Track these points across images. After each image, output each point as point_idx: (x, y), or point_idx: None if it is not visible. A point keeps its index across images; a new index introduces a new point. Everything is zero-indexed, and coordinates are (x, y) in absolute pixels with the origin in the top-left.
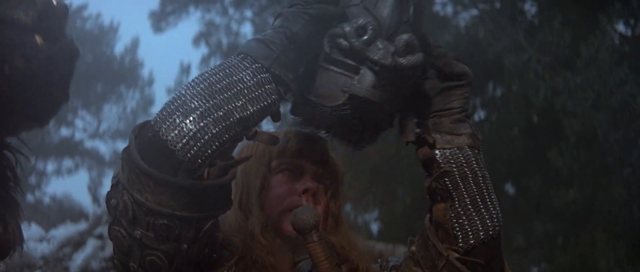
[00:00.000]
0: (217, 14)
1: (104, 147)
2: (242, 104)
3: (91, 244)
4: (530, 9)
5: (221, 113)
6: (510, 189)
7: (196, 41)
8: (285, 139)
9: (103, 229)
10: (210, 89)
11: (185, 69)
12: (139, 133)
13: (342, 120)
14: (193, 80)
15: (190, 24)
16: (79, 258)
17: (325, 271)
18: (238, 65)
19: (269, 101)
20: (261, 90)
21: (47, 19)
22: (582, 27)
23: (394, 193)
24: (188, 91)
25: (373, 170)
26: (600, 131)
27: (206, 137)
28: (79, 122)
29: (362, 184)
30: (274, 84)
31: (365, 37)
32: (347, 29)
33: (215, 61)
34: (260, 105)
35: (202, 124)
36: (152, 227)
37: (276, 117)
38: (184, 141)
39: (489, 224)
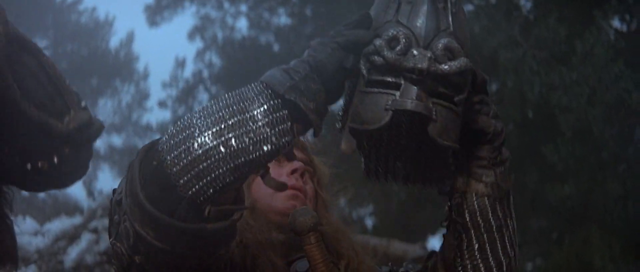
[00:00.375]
0: (212, 8)
1: (99, 142)
2: (252, 146)
3: (86, 238)
4: (525, 4)
5: (228, 152)
6: None
7: (191, 35)
8: None
9: (98, 223)
10: (220, 125)
11: (180, 63)
12: (145, 158)
13: (401, 151)
14: (205, 109)
15: (186, 18)
16: (73, 252)
17: None
18: (253, 99)
19: (281, 143)
20: (273, 131)
21: (81, 134)
22: (577, 23)
23: (389, 188)
24: (198, 122)
25: None
26: (596, 127)
27: (209, 177)
28: None
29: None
30: (289, 123)
31: (399, 48)
32: (378, 43)
33: (210, 55)
34: (270, 148)
35: (206, 164)
36: (152, 258)
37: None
38: (187, 177)
39: None
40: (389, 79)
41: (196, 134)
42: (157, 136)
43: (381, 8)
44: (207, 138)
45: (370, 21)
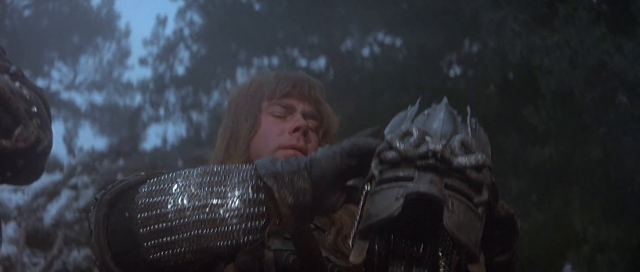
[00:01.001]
0: None
1: (80, 99)
2: (220, 236)
3: (65, 195)
4: None
5: (195, 234)
6: None
7: None
8: (276, 81)
9: (77, 180)
10: (195, 201)
11: (161, 21)
12: (118, 202)
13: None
14: (189, 176)
15: None
16: (53, 208)
17: (302, 241)
18: (236, 185)
19: (249, 239)
20: (246, 225)
21: (30, 151)
22: None
23: None
24: (177, 188)
25: (348, 122)
26: (577, 89)
27: (173, 251)
28: (55, 74)
29: (336, 136)
30: (263, 209)
31: (412, 139)
32: (391, 136)
33: (191, 14)
34: (237, 242)
35: (173, 238)
36: None
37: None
38: (152, 242)
39: None
40: (402, 174)
41: (171, 202)
42: (138, 95)
43: (396, 124)
44: (178, 213)
45: (383, 135)
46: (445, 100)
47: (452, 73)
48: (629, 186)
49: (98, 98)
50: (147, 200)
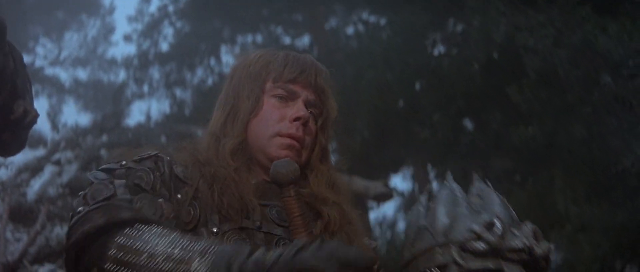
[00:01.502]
0: None
1: (64, 75)
2: None
3: (49, 170)
4: None
5: None
6: (468, 124)
7: None
8: (283, 63)
9: (61, 155)
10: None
11: None
12: (88, 248)
13: None
14: (151, 236)
15: None
16: (36, 184)
17: (298, 226)
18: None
19: None
20: None
21: (17, 124)
22: None
23: (352, 125)
24: (146, 257)
25: None
26: (561, 69)
27: None
28: (39, 49)
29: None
30: None
31: (498, 230)
32: (475, 227)
33: None
34: None
35: None
36: None
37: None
38: None
39: None
40: (491, 265)
41: (135, 253)
42: (122, 71)
43: (449, 202)
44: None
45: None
46: (476, 177)
47: (436, 52)
48: (613, 166)
49: (82, 74)
50: (118, 255)
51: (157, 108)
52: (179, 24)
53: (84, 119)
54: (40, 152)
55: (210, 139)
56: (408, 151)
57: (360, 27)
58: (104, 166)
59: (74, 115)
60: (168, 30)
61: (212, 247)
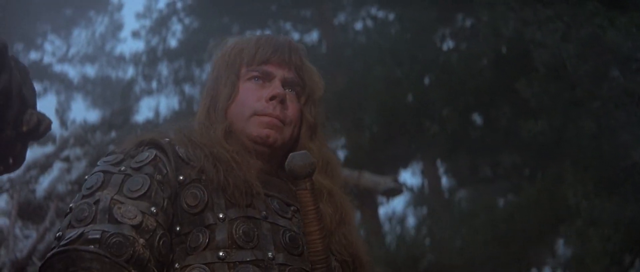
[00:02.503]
0: None
1: (72, 72)
2: None
3: (57, 167)
4: None
5: None
6: (477, 119)
7: None
8: (256, 46)
9: (70, 152)
10: None
11: None
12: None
13: None
14: None
15: None
16: (45, 181)
17: (312, 220)
18: None
19: None
20: None
21: (30, 134)
22: None
23: (361, 121)
24: None
25: (340, 96)
26: (570, 63)
27: None
28: (48, 46)
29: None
30: None
31: None
32: None
33: None
34: None
35: None
36: None
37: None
38: None
39: None
40: None
41: None
42: (131, 67)
43: None
44: None
45: None
46: None
47: (445, 47)
48: (622, 160)
49: (90, 71)
50: None
51: (166, 104)
52: (187, 20)
53: (93, 116)
54: (49, 149)
55: (200, 128)
56: (417, 146)
57: (369, 23)
58: (99, 167)
59: (83, 112)
60: (177, 27)
61: None
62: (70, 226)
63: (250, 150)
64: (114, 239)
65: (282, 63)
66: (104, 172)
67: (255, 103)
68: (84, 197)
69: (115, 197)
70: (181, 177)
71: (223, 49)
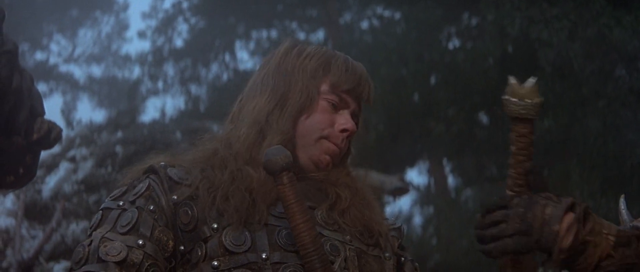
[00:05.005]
0: None
1: (78, 72)
2: None
3: (64, 167)
4: None
5: None
6: (484, 118)
7: None
8: (343, 69)
9: (76, 152)
10: None
11: None
12: None
13: None
14: None
15: None
16: (51, 181)
17: (295, 213)
18: None
19: None
20: None
21: (41, 143)
22: None
23: (368, 120)
24: None
25: None
26: (576, 62)
27: None
28: (53, 47)
29: None
30: None
31: None
32: None
33: None
34: None
35: None
36: None
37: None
38: None
39: None
40: None
41: None
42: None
43: None
44: None
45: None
46: None
47: (451, 46)
48: (628, 158)
49: (96, 71)
50: None
51: (172, 104)
52: (193, 20)
53: (99, 116)
54: (56, 149)
55: (251, 130)
56: (423, 145)
57: (375, 22)
58: (104, 203)
59: (89, 112)
60: (182, 27)
61: None
62: (71, 269)
63: (297, 163)
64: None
65: (358, 97)
66: (104, 209)
67: (328, 128)
68: (86, 237)
69: (106, 235)
70: (175, 197)
71: (301, 50)
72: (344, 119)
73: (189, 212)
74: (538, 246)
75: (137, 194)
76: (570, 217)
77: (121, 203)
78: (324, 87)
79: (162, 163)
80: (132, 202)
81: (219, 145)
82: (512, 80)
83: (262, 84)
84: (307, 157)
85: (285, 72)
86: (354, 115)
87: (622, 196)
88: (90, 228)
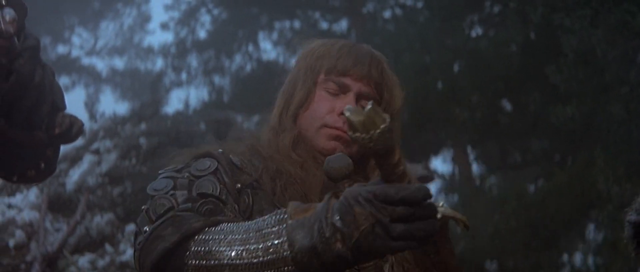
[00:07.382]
0: None
1: (100, 64)
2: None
3: (87, 160)
4: None
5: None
6: (507, 105)
7: None
8: (337, 55)
9: (99, 144)
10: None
11: None
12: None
13: None
14: (224, 235)
15: None
16: (75, 174)
17: None
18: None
19: None
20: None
21: (62, 137)
22: None
23: None
24: (227, 250)
25: None
26: (599, 49)
27: None
28: (75, 39)
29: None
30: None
31: None
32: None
33: None
34: None
35: None
36: None
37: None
38: None
39: None
40: None
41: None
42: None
43: None
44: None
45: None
46: None
47: (473, 34)
48: None
49: (119, 63)
50: (199, 262)
51: (195, 95)
52: (216, 11)
53: (122, 108)
54: (79, 142)
55: (270, 134)
56: (447, 132)
57: (397, 11)
58: (163, 174)
59: (112, 104)
60: (205, 18)
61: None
62: (150, 220)
63: (318, 160)
64: (207, 206)
65: (360, 76)
66: (170, 177)
67: (327, 115)
68: (158, 198)
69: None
70: (238, 185)
71: (305, 50)
72: (343, 102)
73: (247, 200)
74: None
75: (205, 170)
76: None
77: (186, 175)
78: (321, 77)
79: (220, 150)
80: (200, 177)
81: (256, 141)
82: (347, 112)
83: (280, 92)
84: (314, 148)
85: (294, 74)
86: (363, 96)
87: None
88: (161, 190)
